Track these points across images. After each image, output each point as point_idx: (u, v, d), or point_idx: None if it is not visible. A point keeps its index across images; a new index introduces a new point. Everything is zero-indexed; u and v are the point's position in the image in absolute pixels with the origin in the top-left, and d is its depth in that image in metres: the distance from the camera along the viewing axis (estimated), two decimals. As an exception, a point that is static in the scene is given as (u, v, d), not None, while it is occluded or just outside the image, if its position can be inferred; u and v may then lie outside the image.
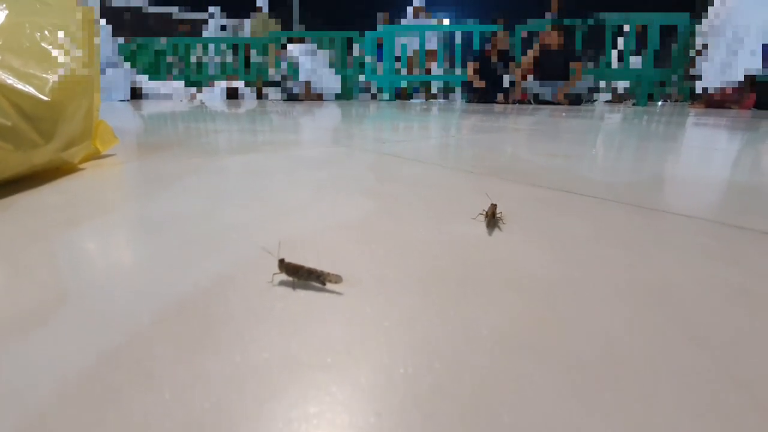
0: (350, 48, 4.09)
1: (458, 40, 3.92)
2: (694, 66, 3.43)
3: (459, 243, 0.32)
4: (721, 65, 3.17)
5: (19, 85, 0.49)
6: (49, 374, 0.17)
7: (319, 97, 3.84)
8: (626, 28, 3.58)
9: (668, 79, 3.51)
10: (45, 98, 0.51)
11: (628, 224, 0.38)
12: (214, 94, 3.99)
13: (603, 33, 3.65)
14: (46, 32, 0.59)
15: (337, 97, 3.95)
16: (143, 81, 3.87)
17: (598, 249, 0.31)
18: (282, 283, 0.25)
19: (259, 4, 4.49)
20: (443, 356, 0.18)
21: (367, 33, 3.97)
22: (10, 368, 0.17)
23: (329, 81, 3.91)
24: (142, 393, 0.16)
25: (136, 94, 3.73)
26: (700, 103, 3.23)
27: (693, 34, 3.46)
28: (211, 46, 4.16)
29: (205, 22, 4.69)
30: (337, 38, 4.06)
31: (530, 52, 3.48)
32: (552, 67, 3.44)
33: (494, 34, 3.63)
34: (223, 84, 4.05)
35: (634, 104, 3.47)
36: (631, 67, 3.67)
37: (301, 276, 0.25)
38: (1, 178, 0.46)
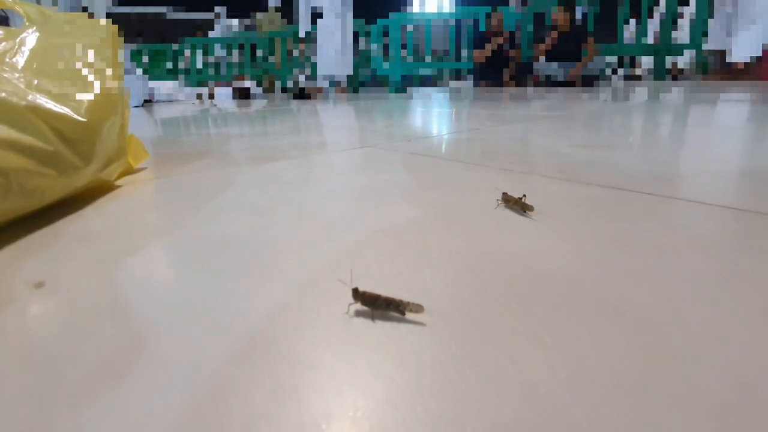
0: (355, 41, 4.04)
1: (464, 25, 3.84)
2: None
3: (527, 257, 0.31)
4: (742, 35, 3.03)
5: (57, 108, 0.49)
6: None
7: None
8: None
9: (694, 50, 3.39)
10: (82, 119, 0.51)
11: (708, 226, 0.36)
12: (224, 95, 4.00)
13: (615, 10, 3.55)
14: (77, 52, 0.59)
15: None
16: (153, 85, 3.90)
17: (698, 262, 0.30)
18: (359, 314, 0.24)
19: (271, 3, 4.46)
20: (557, 402, 0.17)
21: (373, 26, 3.92)
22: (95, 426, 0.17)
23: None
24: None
25: (147, 99, 3.76)
26: (716, 74, 3.11)
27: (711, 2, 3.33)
28: (218, 47, 4.16)
29: (211, 26, 4.69)
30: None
31: (548, 39, 3.38)
32: (563, 47, 3.35)
33: (488, 16, 3.55)
34: (233, 84, 4.06)
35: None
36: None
37: (378, 306, 0.24)
38: (45, 204, 0.46)
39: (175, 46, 4.09)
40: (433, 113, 1.64)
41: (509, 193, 0.43)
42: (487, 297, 0.26)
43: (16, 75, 0.51)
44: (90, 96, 0.54)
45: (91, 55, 0.59)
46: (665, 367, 0.19)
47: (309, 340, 0.22)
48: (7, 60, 0.53)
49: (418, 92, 3.42)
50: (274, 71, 4.02)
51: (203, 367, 0.20)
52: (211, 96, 3.98)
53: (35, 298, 0.28)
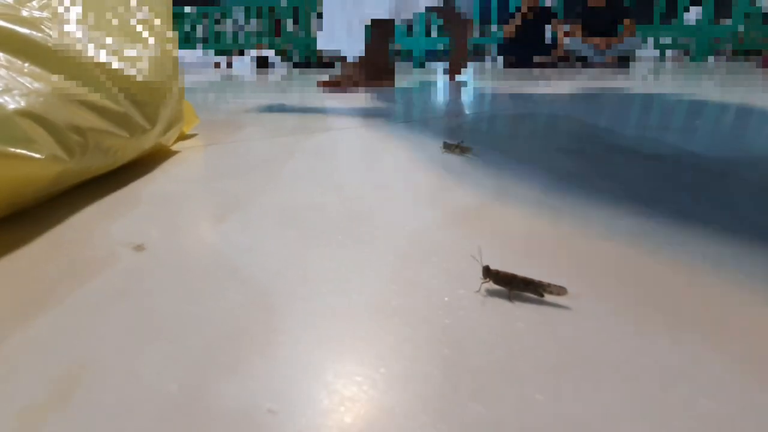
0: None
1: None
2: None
3: (629, 239, 0.29)
4: None
5: (124, 68, 0.48)
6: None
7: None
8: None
9: (731, 32, 3.23)
10: (147, 81, 0.49)
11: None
12: (244, 64, 3.93)
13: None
14: (132, 10, 0.57)
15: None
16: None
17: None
18: (492, 294, 0.23)
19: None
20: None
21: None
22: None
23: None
24: None
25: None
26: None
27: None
28: (240, 15, 4.05)
29: None
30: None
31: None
32: (598, 25, 3.20)
33: None
34: (252, 53, 3.98)
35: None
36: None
37: (515, 286, 0.23)
38: (118, 165, 0.45)
39: (191, 9, 3.99)
40: (463, 90, 1.59)
41: (448, 141, 0.53)
42: (624, 286, 0.24)
43: (75, 29, 0.49)
44: (152, 56, 0.53)
45: (149, 13, 0.57)
46: None
47: (460, 321, 0.21)
48: (61, 10, 0.50)
49: (440, 67, 3.33)
50: (294, 40, 3.92)
51: (342, 326, 0.19)
52: (229, 65, 3.91)
53: (141, 259, 0.27)
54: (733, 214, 0.34)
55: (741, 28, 3.25)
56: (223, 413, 0.15)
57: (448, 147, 0.53)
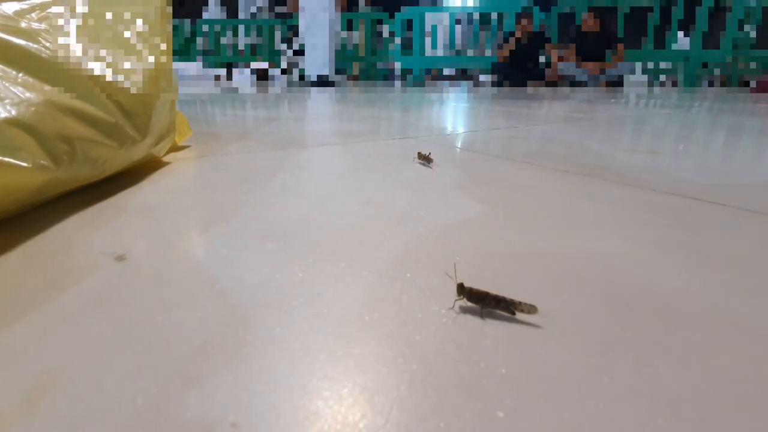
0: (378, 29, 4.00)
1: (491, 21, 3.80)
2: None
3: (604, 261, 0.30)
4: None
5: (116, 79, 0.48)
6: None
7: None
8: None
9: (721, 60, 3.32)
10: (140, 93, 0.50)
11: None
12: (243, 77, 3.97)
13: (644, 15, 3.49)
14: (129, 24, 0.58)
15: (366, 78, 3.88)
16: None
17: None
18: (464, 311, 0.24)
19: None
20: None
21: (397, 14, 3.87)
22: (250, 414, 0.16)
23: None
24: None
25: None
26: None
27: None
28: (241, 29, 4.12)
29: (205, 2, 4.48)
30: (367, 19, 3.97)
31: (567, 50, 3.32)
32: (590, 51, 3.30)
33: (518, 20, 3.50)
34: (252, 66, 4.03)
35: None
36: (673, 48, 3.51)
37: (487, 304, 0.23)
38: (106, 175, 0.46)
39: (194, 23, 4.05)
40: (459, 109, 1.62)
41: (421, 152, 0.62)
42: (586, 300, 0.25)
43: (72, 41, 0.50)
44: (146, 68, 0.54)
45: (140, 25, 0.58)
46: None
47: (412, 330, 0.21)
48: (59, 22, 0.51)
49: (436, 86, 3.38)
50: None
51: (313, 348, 0.20)
52: (232, 76, 3.95)
53: (121, 270, 0.28)
54: (709, 240, 0.35)
55: (729, 57, 3.35)
56: (185, 426, 0.16)
57: (422, 157, 0.62)
